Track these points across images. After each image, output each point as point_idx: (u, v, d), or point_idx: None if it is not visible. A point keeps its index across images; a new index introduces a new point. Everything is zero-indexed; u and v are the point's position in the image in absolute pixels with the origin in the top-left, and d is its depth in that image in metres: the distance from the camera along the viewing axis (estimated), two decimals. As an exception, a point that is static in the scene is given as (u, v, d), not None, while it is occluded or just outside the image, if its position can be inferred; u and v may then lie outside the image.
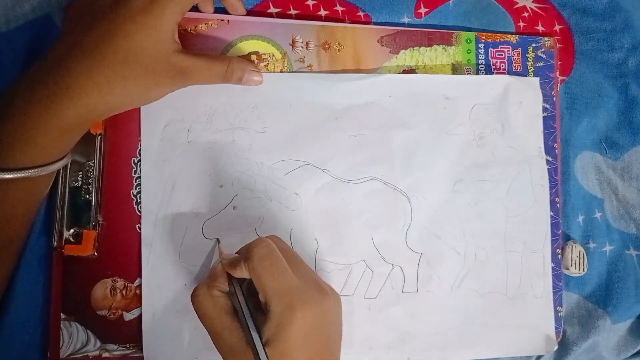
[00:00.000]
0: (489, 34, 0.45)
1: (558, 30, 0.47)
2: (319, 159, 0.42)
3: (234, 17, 0.42)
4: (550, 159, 0.46)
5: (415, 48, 0.44)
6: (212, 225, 0.41)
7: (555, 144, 0.46)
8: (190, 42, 0.41)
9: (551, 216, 0.45)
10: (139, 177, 0.40)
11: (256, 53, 0.42)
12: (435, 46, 0.44)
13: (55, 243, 0.38)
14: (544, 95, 0.46)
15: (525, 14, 0.46)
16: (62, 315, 0.39)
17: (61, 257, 0.39)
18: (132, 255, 0.40)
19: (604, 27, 0.46)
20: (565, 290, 0.46)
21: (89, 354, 0.39)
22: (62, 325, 0.39)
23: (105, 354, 0.40)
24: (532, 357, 0.46)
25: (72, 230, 0.39)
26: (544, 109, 0.46)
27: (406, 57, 0.44)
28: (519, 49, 0.46)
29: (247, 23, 0.42)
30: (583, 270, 0.46)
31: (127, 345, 0.40)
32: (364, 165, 0.43)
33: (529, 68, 0.46)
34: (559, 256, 0.46)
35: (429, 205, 0.44)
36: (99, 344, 0.40)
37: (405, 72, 0.44)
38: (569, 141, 0.47)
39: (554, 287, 0.45)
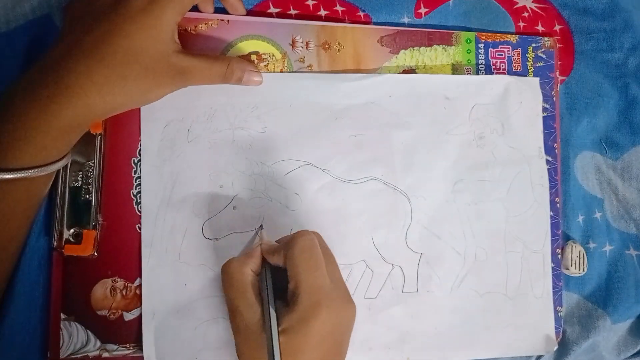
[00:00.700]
0: (489, 34, 0.45)
1: (558, 30, 0.47)
2: (319, 159, 0.42)
3: (234, 17, 0.42)
4: (550, 159, 0.46)
5: (415, 48, 0.44)
6: (212, 225, 0.41)
7: (555, 144, 0.46)
8: (190, 42, 0.41)
9: (551, 216, 0.45)
10: (139, 177, 0.40)
11: (256, 53, 0.42)
12: (435, 46, 0.44)
13: (55, 243, 0.38)
14: (544, 95, 0.46)
15: (525, 14, 0.46)
16: (62, 315, 0.39)
17: (61, 257, 0.39)
18: (132, 255, 0.40)
19: (604, 27, 0.46)
20: (565, 290, 0.46)
21: (89, 354, 0.39)
22: (62, 325, 0.39)
23: (105, 354, 0.40)
24: (532, 357, 0.46)
25: (72, 230, 0.39)
26: (544, 109, 0.46)
27: (406, 57, 0.44)
28: (519, 49, 0.46)
29: (247, 23, 0.42)
30: (583, 270, 0.46)
31: (127, 345, 0.40)
32: (364, 165, 0.43)
33: (529, 68, 0.46)
34: (559, 256, 0.46)
35: (429, 205, 0.44)
36: (99, 344, 0.40)
37: (405, 72, 0.44)
38: (569, 141, 0.47)
39: (553, 287, 0.45)
